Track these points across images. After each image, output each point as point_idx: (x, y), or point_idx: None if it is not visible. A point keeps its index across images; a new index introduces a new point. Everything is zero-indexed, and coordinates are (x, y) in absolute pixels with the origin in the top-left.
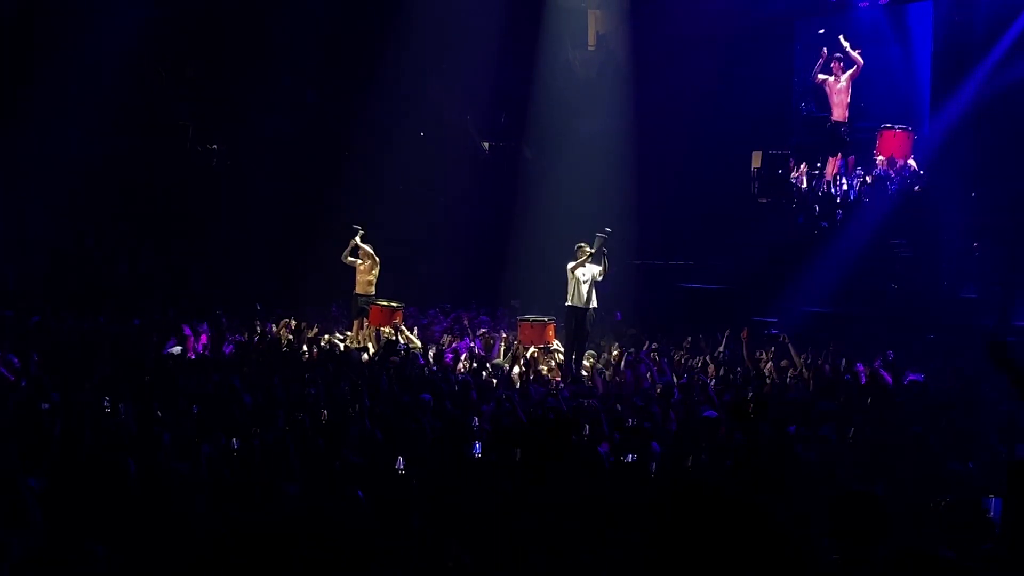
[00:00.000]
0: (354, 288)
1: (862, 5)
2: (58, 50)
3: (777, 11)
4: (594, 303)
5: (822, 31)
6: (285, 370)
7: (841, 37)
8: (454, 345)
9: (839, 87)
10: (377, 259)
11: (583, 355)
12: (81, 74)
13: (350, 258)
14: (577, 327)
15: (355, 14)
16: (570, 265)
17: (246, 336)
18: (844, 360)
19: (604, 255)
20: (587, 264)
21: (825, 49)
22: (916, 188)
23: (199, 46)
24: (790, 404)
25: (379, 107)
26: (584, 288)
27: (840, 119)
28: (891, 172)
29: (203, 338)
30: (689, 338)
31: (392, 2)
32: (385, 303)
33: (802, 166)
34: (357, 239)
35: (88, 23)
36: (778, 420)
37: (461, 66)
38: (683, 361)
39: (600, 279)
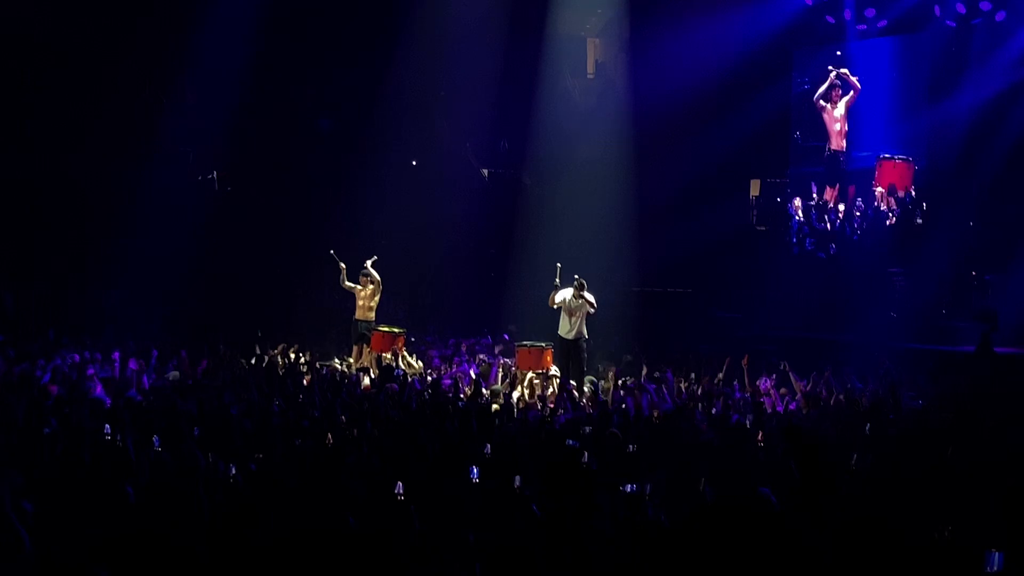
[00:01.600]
0: (354, 314)
1: (859, 28)
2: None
3: (775, 39)
4: (584, 334)
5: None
6: (284, 395)
7: (833, 66)
8: (452, 372)
9: (837, 114)
10: (380, 283)
11: (581, 383)
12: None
13: (348, 283)
14: (564, 357)
15: (355, 41)
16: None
17: (244, 361)
18: (844, 387)
19: (582, 290)
20: (570, 296)
21: (830, 66)
22: (919, 221)
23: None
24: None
25: (379, 134)
26: (569, 319)
27: (838, 148)
28: (892, 203)
29: (203, 363)
30: (693, 374)
31: (392, 30)
32: (387, 329)
33: (797, 200)
34: (370, 264)
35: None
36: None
37: (461, 93)
38: (684, 388)
39: (593, 311)
